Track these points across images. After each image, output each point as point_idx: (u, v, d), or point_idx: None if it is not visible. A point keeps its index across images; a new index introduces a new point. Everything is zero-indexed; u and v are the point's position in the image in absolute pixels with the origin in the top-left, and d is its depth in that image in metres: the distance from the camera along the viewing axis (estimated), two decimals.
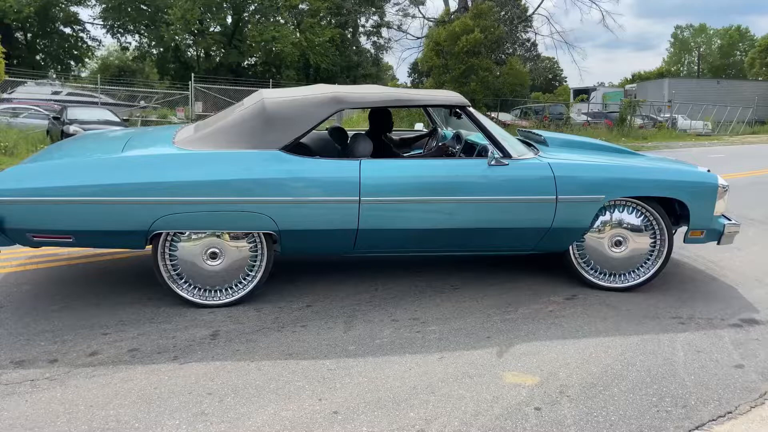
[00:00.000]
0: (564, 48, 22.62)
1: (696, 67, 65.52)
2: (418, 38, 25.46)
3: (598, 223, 4.07)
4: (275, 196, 3.52)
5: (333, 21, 33.63)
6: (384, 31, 36.95)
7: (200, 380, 2.83)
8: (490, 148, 3.90)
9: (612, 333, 3.48)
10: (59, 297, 3.87)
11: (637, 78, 58.25)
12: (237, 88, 21.23)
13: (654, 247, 4.14)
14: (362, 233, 3.73)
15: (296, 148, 3.75)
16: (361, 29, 38.98)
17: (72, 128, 13.74)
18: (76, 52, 34.82)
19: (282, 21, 30.74)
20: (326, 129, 5.04)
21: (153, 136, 4.34)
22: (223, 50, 30.65)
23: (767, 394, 2.82)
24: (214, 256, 3.66)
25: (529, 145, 4.44)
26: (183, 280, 3.70)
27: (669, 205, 4.12)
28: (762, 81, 42.72)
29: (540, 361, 3.10)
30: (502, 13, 32.63)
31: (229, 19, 30.96)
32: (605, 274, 4.20)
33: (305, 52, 29.38)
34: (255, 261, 3.75)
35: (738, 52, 63.93)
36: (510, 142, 4.07)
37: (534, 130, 5.08)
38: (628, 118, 24.68)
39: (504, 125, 21.82)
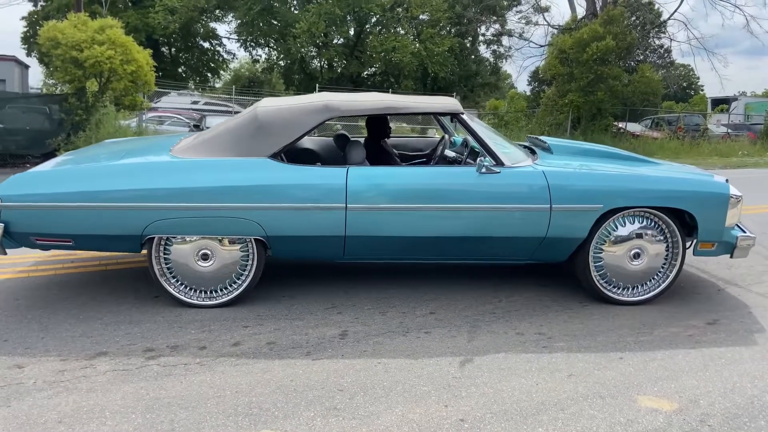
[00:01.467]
0: (702, 54, 20.95)
1: None
2: (541, 46, 24.83)
3: (615, 234, 3.94)
4: (262, 203, 3.62)
5: (453, 30, 33.74)
6: (504, 40, 36.43)
7: (331, 377, 2.97)
8: (483, 155, 3.87)
9: (759, 362, 3.20)
10: None
11: None
12: None
13: (667, 259, 4.02)
14: (350, 240, 3.76)
15: (292, 155, 3.80)
16: (481, 38, 38.74)
17: None
18: (213, 65, 37.73)
19: (402, 32, 31.35)
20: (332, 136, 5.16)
21: (157, 144, 4.57)
22: (345, 61, 31.80)
23: None
24: (205, 257, 3.79)
25: (532, 152, 4.36)
26: (176, 281, 3.84)
27: (681, 216, 3.94)
28: None
29: (679, 386, 2.92)
30: (633, 18, 30.98)
31: (352, 31, 32.09)
32: (621, 288, 4.06)
33: (424, 62, 29.70)
34: (246, 264, 3.86)
35: None
36: (505, 150, 4.01)
37: (541, 137, 4.79)
38: None
39: (633, 136, 20.68)
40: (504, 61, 39.59)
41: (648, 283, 4.06)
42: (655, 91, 20.77)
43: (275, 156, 3.74)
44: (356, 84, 30.19)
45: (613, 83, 18.78)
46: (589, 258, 3.95)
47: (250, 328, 3.58)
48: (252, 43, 34.09)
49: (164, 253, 3.78)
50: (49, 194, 3.58)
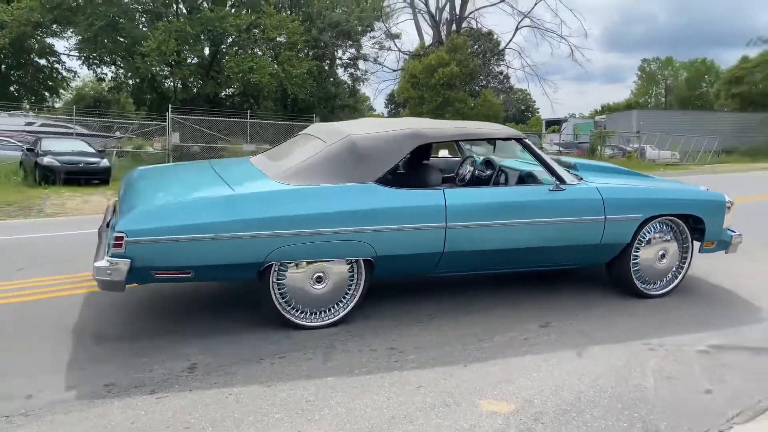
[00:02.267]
0: (535, 80, 23.27)
1: (663, 99, 67.61)
2: (394, 71, 25.95)
3: (647, 238, 4.68)
4: (373, 225, 3.84)
5: (311, 53, 34.07)
6: (361, 63, 37.52)
7: (177, 414, 2.82)
8: (545, 175, 4.50)
9: (585, 360, 3.56)
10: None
11: (607, 110, 59.85)
12: (214, 118, 21.28)
13: (684, 256, 4.86)
14: (446, 255, 4.10)
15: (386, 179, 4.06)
16: (338, 61, 39.57)
17: (46, 160, 13.61)
18: (51, 83, 34.58)
19: (260, 53, 31.05)
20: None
21: (240, 170, 4.49)
22: (200, 81, 30.75)
23: (734, 419, 2.91)
24: (319, 280, 3.94)
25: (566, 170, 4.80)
26: (288, 304, 3.93)
27: (687, 221, 4.79)
28: (728, 112, 44.21)
29: (516, 388, 3.16)
30: (476, 46, 33.44)
31: (207, 51, 31.17)
32: (647, 283, 4.80)
33: (283, 83, 29.63)
34: (352, 284, 4.04)
35: (704, 84, 66.17)
36: (561, 170, 4.54)
37: (562, 158, 5.53)
38: (599, 148, 25.30)
39: (478, 156, 22.20)
40: (361, 83, 40.72)
41: (667, 277, 4.83)
42: (496, 114, 22.52)
43: (379, 181, 3.96)
44: (214, 104, 29.27)
45: (460, 106, 20.09)
46: (630, 259, 4.61)
47: (86, 370, 3.30)
48: (96, 61, 31.78)
49: (278, 279, 3.84)
50: (176, 227, 3.50)
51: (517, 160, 5.45)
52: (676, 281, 4.84)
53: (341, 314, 4.03)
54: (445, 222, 4.00)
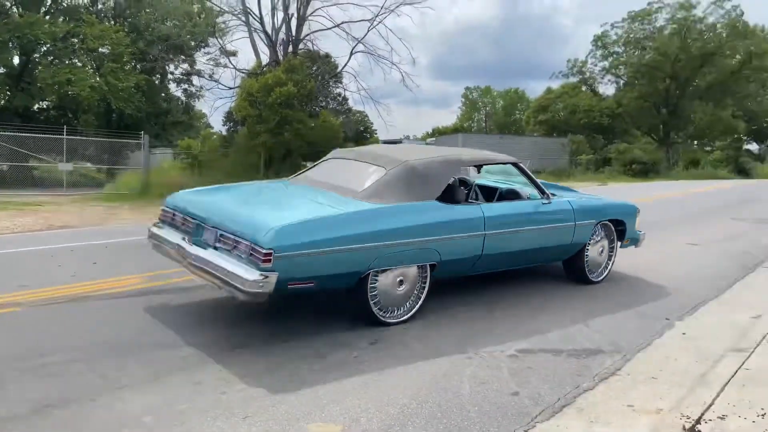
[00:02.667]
0: (371, 103, 24.26)
1: (484, 124, 74.03)
2: (231, 88, 25.29)
3: (594, 239, 6.13)
4: (440, 235, 4.71)
5: (138, 66, 31.99)
6: (195, 80, 36.08)
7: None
8: (527, 189, 5.86)
9: (409, 373, 3.74)
10: None
11: (437, 132, 63.96)
12: (24, 134, 19.01)
13: (612, 251, 6.42)
14: (483, 257, 5.09)
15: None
16: (170, 76, 37.64)
17: None
18: None
19: (79, 64, 28.46)
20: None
21: (314, 192, 5.01)
22: (8, 93, 27.34)
23: (538, 417, 3.24)
24: (401, 283, 4.62)
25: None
26: (375, 304, 4.51)
27: (614, 224, 6.34)
28: (537, 137, 49.58)
29: (343, 408, 3.22)
30: (314, 68, 33.89)
31: (17, 60, 27.85)
32: (592, 273, 6.22)
33: (106, 97, 27.42)
34: (419, 285, 4.78)
35: (517, 112, 73.63)
36: (544, 187, 5.82)
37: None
38: None
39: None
40: (196, 100, 39.15)
41: (602, 268, 6.33)
42: (336, 134, 22.96)
43: (439, 198, 4.87)
44: (26, 119, 26.12)
45: (298, 126, 20.16)
46: (583, 255, 6.05)
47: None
48: None
49: (371, 284, 4.41)
50: (310, 243, 3.95)
51: (488, 180, 6.52)
52: (607, 271, 6.39)
53: (413, 311, 4.76)
54: (484, 230, 5.00)
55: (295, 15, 23.11)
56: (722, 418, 3.04)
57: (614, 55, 46.16)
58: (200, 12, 32.04)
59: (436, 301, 5.38)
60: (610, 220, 6.25)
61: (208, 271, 4.11)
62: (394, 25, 54.32)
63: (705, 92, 43.82)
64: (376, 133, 67.51)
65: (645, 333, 4.69)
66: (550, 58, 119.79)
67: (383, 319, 4.57)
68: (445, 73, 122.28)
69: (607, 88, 49.07)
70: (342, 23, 23.53)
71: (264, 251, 3.78)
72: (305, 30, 23.52)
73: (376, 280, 4.44)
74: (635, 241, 6.67)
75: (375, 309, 4.49)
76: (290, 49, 23.16)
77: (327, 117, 24.53)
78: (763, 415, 3.03)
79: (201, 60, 34.24)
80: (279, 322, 4.66)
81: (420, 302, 4.79)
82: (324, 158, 5.90)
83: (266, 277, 3.76)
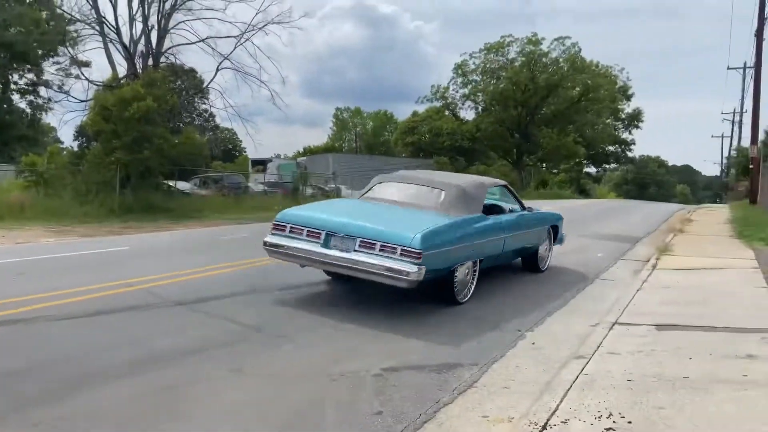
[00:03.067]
0: (239, 121, 23.63)
1: (355, 144, 75.35)
2: (83, 101, 23.39)
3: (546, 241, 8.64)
4: (487, 238, 6.70)
5: None
6: (42, 91, 33.00)
7: None
8: (517, 205, 7.98)
9: (274, 402, 3.64)
10: None
11: (308, 151, 63.96)
12: None
13: (550, 250, 8.85)
14: (502, 254, 7.27)
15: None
16: (13, 86, 34.13)
17: None
18: None
19: None
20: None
21: (402, 209, 6.53)
22: None
23: None
24: (466, 274, 6.34)
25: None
26: (455, 290, 6.18)
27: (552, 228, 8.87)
28: (405, 157, 51.46)
29: None
30: (178, 82, 32.44)
31: None
32: (542, 264, 8.59)
33: None
34: (474, 276, 6.55)
35: (386, 133, 75.89)
36: (523, 203, 8.13)
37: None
38: (301, 187, 26.77)
39: (184, 194, 21.52)
40: (43, 113, 35.81)
41: (545, 261, 8.71)
42: (200, 152, 22.07)
43: (482, 212, 6.83)
44: None
45: (159, 142, 19.11)
46: (537, 252, 8.40)
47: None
48: None
49: (455, 274, 6.09)
50: (439, 243, 5.73)
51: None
52: (547, 263, 8.80)
53: (469, 295, 6.44)
54: (504, 234, 7.11)
55: (156, 27, 21.99)
56: (565, 422, 3.29)
57: (473, 83, 49.28)
58: (49, 19, 29.51)
59: (306, 321, 5.33)
60: (551, 226, 8.79)
61: (360, 269, 5.59)
62: (263, 43, 53.68)
63: (551, 120, 48.22)
64: (245, 151, 66.02)
65: (501, 345, 4.98)
66: (416, 82, 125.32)
67: (459, 300, 6.23)
68: (315, 93, 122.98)
69: (468, 113, 52.21)
70: (207, 38, 22.77)
71: (417, 251, 5.34)
72: (167, 43, 22.43)
73: (457, 271, 6.10)
74: (561, 241, 9.26)
75: (456, 294, 6.16)
76: (150, 62, 21.95)
77: (191, 134, 23.55)
78: (599, 418, 3.33)
79: (49, 70, 31.48)
80: (95, 353, 4.33)
81: (472, 289, 6.48)
82: (375, 181, 7.33)
83: (420, 269, 5.33)
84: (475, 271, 6.51)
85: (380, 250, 5.48)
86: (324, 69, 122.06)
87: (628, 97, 56.80)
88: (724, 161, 59.65)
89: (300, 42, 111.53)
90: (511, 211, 7.76)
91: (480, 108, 50.73)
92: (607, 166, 70.76)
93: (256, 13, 23.88)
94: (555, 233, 8.90)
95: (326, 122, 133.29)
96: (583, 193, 54.24)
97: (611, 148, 62.76)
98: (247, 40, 22.97)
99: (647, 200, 46.31)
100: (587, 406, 3.49)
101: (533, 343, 5.08)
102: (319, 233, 5.84)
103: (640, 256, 10.74)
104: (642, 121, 60.72)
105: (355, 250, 5.60)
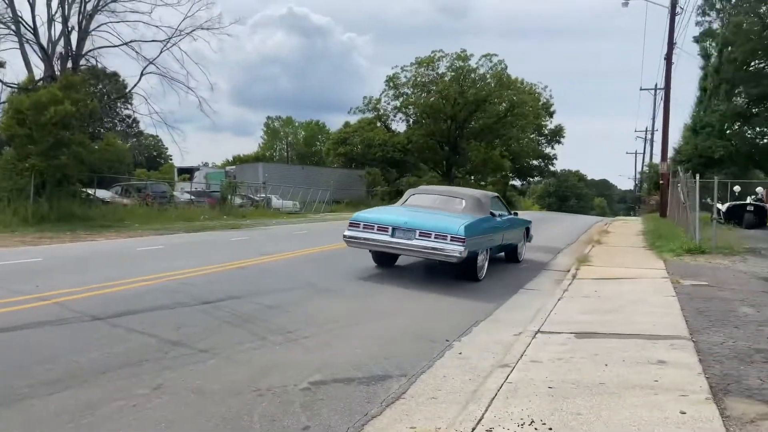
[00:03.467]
0: (164, 128, 22.81)
1: (286, 154, 74.58)
2: None
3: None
4: (494, 233, 9.60)
5: None
6: None
7: None
8: (505, 211, 10.84)
9: (197, 419, 3.52)
10: None
11: (238, 160, 62.72)
12: None
13: (524, 246, 11.73)
14: (501, 246, 10.15)
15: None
16: None
17: None
18: None
19: None
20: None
21: (435, 213, 9.19)
22: None
23: None
24: (483, 260, 9.14)
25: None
26: (477, 271, 8.98)
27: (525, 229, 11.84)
28: (337, 168, 51.41)
29: None
30: (99, 86, 31.04)
31: None
32: (520, 257, 11.38)
33: None
34: (485, 262, 9.20)
35: (318, 143, 75.60)
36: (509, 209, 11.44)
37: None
38: (229, 197, 26.17)
39: (104, 203, 20.60)
40: None
41: (521, 256, 11.60)
42: (122, 159, 21.17)
43: (491, 213, 9.76)
44: None
45: (77, 148, 18.18)
46: (518, 247, 11.38)
47: None
48: None
49: (478, 259, 8.92)
50: (474, 233, 8.39)
51: None
52: (522, 256, 11.58)
53: (483, 275, 9.02)
54: (503, 230, 9.86)
55: (76, 28, 20.97)
56: (489, 431, 3.37)
57: (404, 96, 49.99)
58: None
59: (231, 335, 5.20)
60: (526, 227, 11.82)
61: (423, 251, 8.36)
62: (191, 49, 52.29)
63: (479, 133, 49.58)
64: (171, 159, 63.93)
65: (429, 356, 5.04)
66: (348, 93, 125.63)
67: (479, 278, 8.89)
68: (246, 101, 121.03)
69: (399, 125, 52.85)
70: (131, 41, 21.96)
71: (462, 237, 8.01)
72: (88, 45, 21.43)
73: (478, 256, 8.81)
74: (530, 239, 12.40)
75: (477, 273, 8.86)
76: (69, 64, 20.89)
77: (112, 140, 22.58)
78: (522, 425, 3.43)
79: None
80: (40, 371, 4.07)
81: (484, 272, 9.13)
82: (409, 194, 10.43)
83: (465, 250, 8.01)
84: (486, 258, 9.13)
85: (435, 238, 8.18)
86: (255, 77, 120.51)
87: (551, 114, 59.42)
88: (637, 176, 63.29)
89: (230, 49, 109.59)
90: (500, 215, 10.28)
91: (411, 120, 51.51)
92: (532, 179, 73.45)
93: (184, 18, 23.34)
94: (527, 233, 12.01)
95: (257, 131, 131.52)
96: (510, 205, 55.60)
97: (535, 162, 65.27)
98: (173, 44, 22.35)
99: (567, 212, 48.50)
100: (511, 414, 3.59)
101: (460, 353, 5.17)
102: (387, 228, 8.58)
103: (562, 267, 11.20)
104: (563, 137, 63.58)
105: (416, 238, 8.33)
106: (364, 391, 4.12)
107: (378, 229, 8.59)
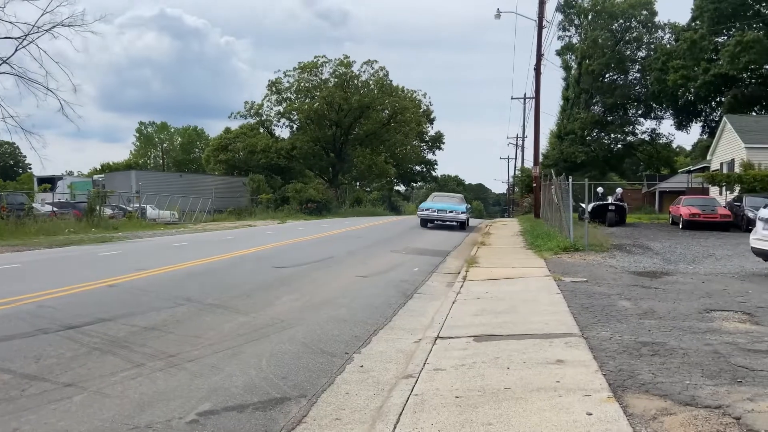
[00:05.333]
0: (21, 133, 20.39)
1: (161, 161, 70.59)
2: None
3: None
4: (469, 215, 30.78)
5: None
6: None
7: None
8: (462, 205, 26.58)
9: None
10: None
11: (107, 168, 58.35)
12: None
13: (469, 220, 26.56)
14: (469, 217, 28.53)
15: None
16: None
17: None
18: None
19: None
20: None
21: (454, 202, 26.19)
22: None
23: None
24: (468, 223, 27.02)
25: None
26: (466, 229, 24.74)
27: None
28: (218, 175, 49.34)
29: None
30: None
31: None
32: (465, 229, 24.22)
33: None
34: (469, 229, 24.52)
35: (197, 150, 72.31)
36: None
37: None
38: (98, 208, 24.12)
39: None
40: None
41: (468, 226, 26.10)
42: None
43: (464, 203, 26.92)
44: None
45: None
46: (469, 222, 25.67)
47: None
48: None
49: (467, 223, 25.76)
50: (467, 210, 26.83)
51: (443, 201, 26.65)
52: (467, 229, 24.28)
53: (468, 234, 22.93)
54: (467, 214, 25.83)
55: None
56: None
57: (288, 101, 49.24)
58: None
59: (102, 363, 4.57)
60: (465, 217, 24.40)
61: (449, 218, 23.73)
62: (52, 48, 47.88)
63: (363, 140, 50.02)
64: (30, 168, 58.08)
65: (328, 371, 4.74)
66: (227, 99, 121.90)
67: (466, 230, 22.78)
68: (116, 106, 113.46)
69: (283, 131, 51.95)
70: None
71: (466, 213, 24.63)
72: None
73: (468, 221, 25.16)
74: (471, 230, 22.92)
75: (466, 228, 23.13)
76: None
77: None
78: None
79: None
80: None
81: (468, 234, 20.65)
82: (432, 196, 27.30)
83: (466, 218, 24.87)
84: (468, 222, 24.39)
85: (452, 213, 23.57)
86: (125, 80, 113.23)
87: (431, 121, 61.44)
88: (510, 180, 67.16)
89: (97, 50, 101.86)
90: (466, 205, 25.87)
91: (295, 126, 50.84)
92: (415, 185, 75.46)
93: (42, 14, 21.35)
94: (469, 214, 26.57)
95: (128, 137, 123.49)
96: (395, 209, 56.83)
97: (418, 167, 67.10)
98: (30, 42, 20.23)
99: None
100: (420, 429, 3.39)
101: (361, 366, 4.92)
102: (435, 209, 23.80)
103: (451, 269, 11.37)
104: (444, 143, 65.98)
105: (446, 214, 23.60)
106: (261, 418, 3.74)
107: (430, 210, 23.70)
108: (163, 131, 74.56)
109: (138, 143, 74.83)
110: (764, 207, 10.30)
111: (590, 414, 3.48)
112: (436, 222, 23.60)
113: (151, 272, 9.73)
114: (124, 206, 28.98)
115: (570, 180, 14.11)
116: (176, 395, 4.08)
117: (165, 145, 73.32)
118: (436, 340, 5.59)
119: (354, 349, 5.41)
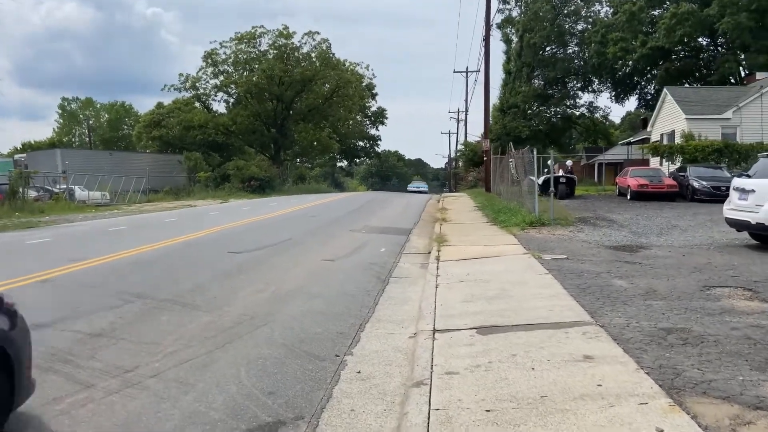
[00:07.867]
0: None
1: (88, 139, 66.39)
2: None
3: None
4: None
5: None
6: None
7: None
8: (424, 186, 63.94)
9: None
10: None
11: (28, 147, 54.27)
12: None
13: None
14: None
15: None
16: None
17: None
18: None
19: None
20: None
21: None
22: None
23: None
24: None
25: None
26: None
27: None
28: (150, 153, 46.65)
29: None
30: None
31: None
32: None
33: None
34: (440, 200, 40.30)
35: (126, 127, 68.37)
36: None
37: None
38: (21, 189, 22.08)
39: None
40: None
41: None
42: None
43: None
44: None
45: None
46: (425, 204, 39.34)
47: None
48: None
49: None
50: (427, 187, 67.12)
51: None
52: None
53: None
54: (427, 188, 62.53)
55: None
56: None
57: (225, 73, 46.98)
58: None
59: (54, 390, 3.65)
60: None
61: (421, 192, 50.97)
62: None
63: (306, 115, 48.50)
64: None
65: (322, 380, 4.02)
66: (157, 73, 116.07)
67: (423, 209, 22.69)
68: (35, 81, 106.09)
69: (221, 106, 49.67)
70: None
71: (426, 189, 61.01)
72: None
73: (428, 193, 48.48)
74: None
75: (424, 203, 29.50)
76: None
77: None
78: None
79: None
80: None
81: (423, 208, 22.69)
82: (413, 181, 66.27)
83: (427, 191, 56.49)
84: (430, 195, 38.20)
85: (421, 189, 57.46)
86: (44, 53, 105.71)
87: (374, 96, 60.40)
88: (453, 155, 67.42)
89: (11, 21, 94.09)
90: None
91: (234, 101, 48.67)
92: (358, 161, 74.55)
93: None
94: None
95: (51, 114, 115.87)
96: (339, 186, 55.76)
97: (361, 143, 66.15)
98: None
99: (392, 191, 50.10)
100: None
101: (359, 372, 4.22)
102: (415, 187, 58.25)
103: (419, 248, 10.77)
104: (386, 119, 65.20)
105: (418, 189, 56.07)
106: None
107: (414, 187, 56.20)
108: (88, 107, 70.05)
109: (61, 120, 70.10)
110: (738, 176, 10.18)
111: (662, 431, 2.91)
112: (413, 191, 41.57)
113: (89, 263, 8.60)
114: (50, 187, 26.76)
115: (535, 152, 13.72)
116: (144, 422, 3.25)
117: (91, 122, 68.96)
118: (434, 333, 4.94)
119: (344, 350, 4.70)
